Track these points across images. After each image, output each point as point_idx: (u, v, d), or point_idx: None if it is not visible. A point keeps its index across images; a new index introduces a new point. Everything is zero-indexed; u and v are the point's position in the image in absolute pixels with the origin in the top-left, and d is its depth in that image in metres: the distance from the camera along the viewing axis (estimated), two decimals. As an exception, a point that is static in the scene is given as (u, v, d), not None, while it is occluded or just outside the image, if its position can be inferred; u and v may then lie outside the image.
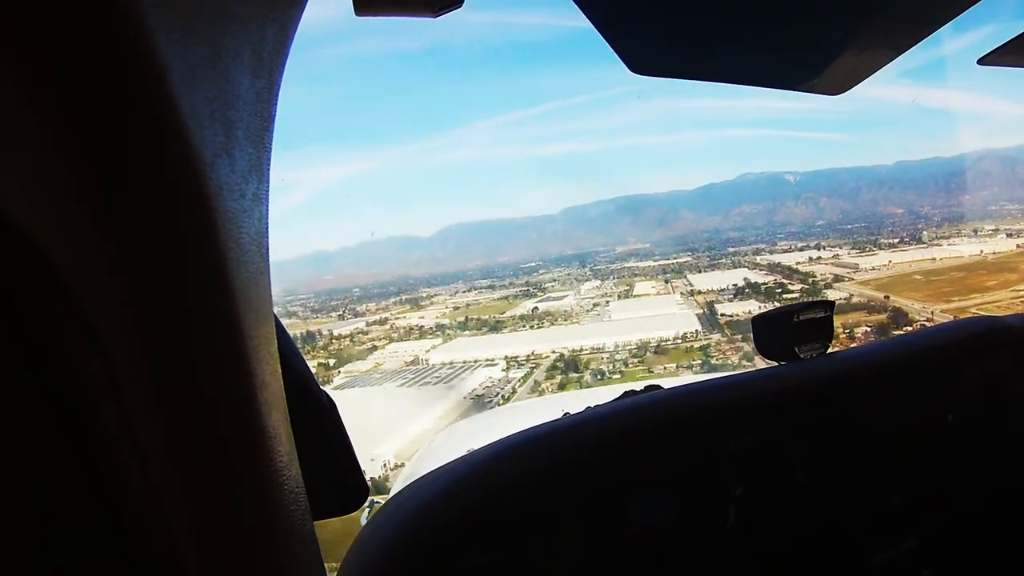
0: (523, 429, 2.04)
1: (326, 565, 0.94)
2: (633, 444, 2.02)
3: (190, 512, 0.69)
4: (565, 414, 2.16)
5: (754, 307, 49.28)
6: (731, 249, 66.78)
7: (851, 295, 48.71)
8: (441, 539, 1.72)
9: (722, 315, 51.89)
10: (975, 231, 53.24)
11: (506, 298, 64.61)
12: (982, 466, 2.47)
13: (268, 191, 0.77)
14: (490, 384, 48.67)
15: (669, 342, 49.82)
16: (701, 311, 53.39)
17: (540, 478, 1.88)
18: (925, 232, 55.50)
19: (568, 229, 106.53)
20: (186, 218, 0.63)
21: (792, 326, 2.43)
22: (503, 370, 50.95)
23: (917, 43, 2.19)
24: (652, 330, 50.94)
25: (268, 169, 0.77)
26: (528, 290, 65.68)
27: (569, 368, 49.50)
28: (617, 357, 50.20)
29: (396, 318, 61.82)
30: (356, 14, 1.46)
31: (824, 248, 58.72)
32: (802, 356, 2.44)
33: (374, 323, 60.89)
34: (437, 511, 1.78)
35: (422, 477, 1.94)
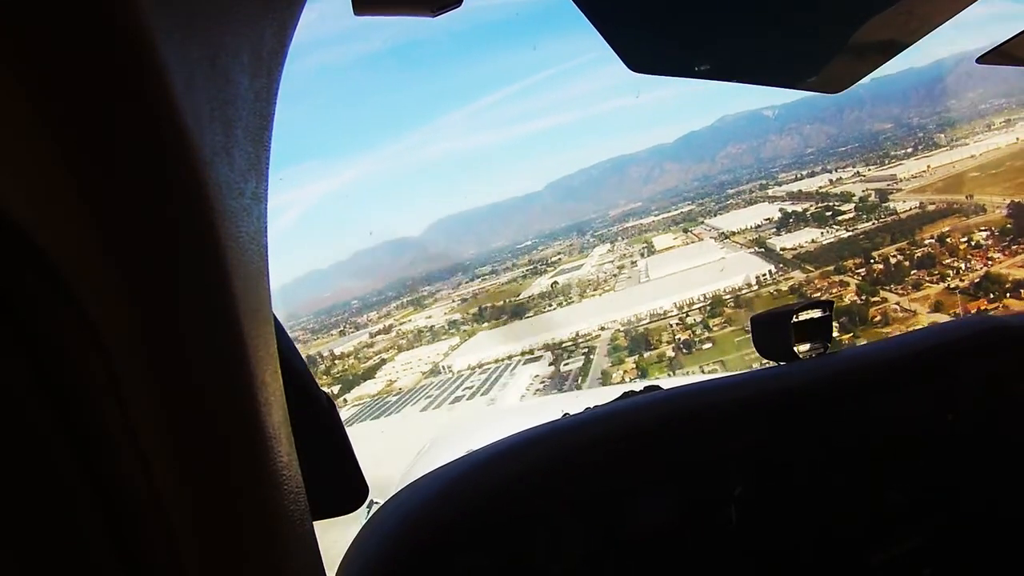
0: (523, 429, 2.00)
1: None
2: (633, 445, 1.97)
3: (190, 512, 0.67)
4: (565, 415, 2.11)
5: (815, 235, 44.26)
6: (730, 191, 62.70)
7: (922, 204, 43.26)
8: (440, 539, 1.69)
9: (783, 249, 44.58)
10: (988, 126, 49.11)
11: (515, 280, 59.01)
12: (982, 466, 2.36)
13: (267, 190, 0.76)
14: (541, 387, 38.58)
15: (745, 290, 41.28)
16: (756, 250, 46.25)
17: (540, 479, 1.84)
18: (942, 135, 51.60)
19: (555, 202, 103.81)
20: (186, 217, 0.62)
21: (791, 326, 2.36)
22: (550, 363, 41.77)
23: (916, 42, 2.16)
24: (712, 282, 42.30)
25: (267, 168, 0.76)
26: (535, 267, 60.42)
27: (639, 346, 40.82)
28: (689, 320, 40.91)
29: (400, 323, 56.22)
30: (355, 14, 1.45)
31: (834, 170, 54.11)
32: (801, 356, 2.38)
33: (378, 333, 55.20)
34: (436, 511, 1.75)
35: (422, 477, 1.90)
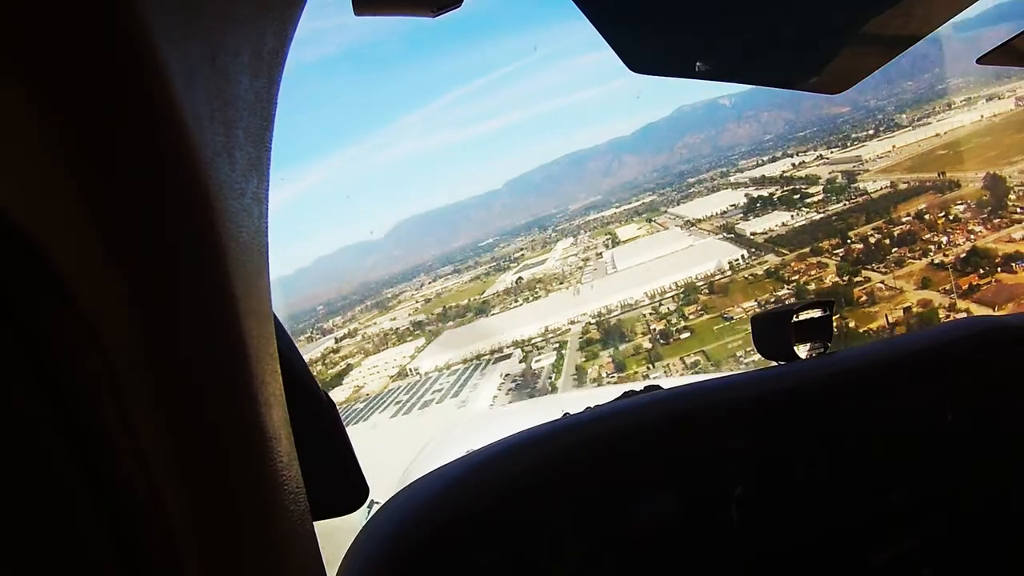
0: (523, 429, 1.97)
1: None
2: (633, 444, 1.95)
3: (190, 512, 0.67)
4: (565, 414, 2.09)
5: (785, 218, 44.12)
6: (691, 179, 63.44)
7: (893, 183, 43.40)
8: (440, 539, 1.67)
9: (753, 233, 44.32)
10: (949, 105, 50.16)
11: (478, 278, 59.12)
12: (982, 466, 2.36)
13: (268, 190, 0.76)
14: (513, 386, 37.10)
15: (718, 276, 40.53)
16: (725, 236, 45.79)
17: (540, 479, 1.82)
18: (903, 116, 52.58)
19: (515, 200, 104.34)
20: (186, 217, 0.61)
21: (791, 326, 2.37)
22: (521, 361, 40.55)
23: (917, 42, 2.16)
24: (682, 269, 41.70)
25: (268, 168, 0.76)
26: (498, 264, 60.79)
27: (613, 338, 40.11)
28: (663, 310, 39.92)
29: (366, 326, 55.63)
30: (355, 14, 1.43)
31: (795, 155, 54.93)
32: (802, 356, 2.39)
33: (344, 337, 54.63)
34: (436, 511, 1.72)
35: (421, 477, 1.88)
